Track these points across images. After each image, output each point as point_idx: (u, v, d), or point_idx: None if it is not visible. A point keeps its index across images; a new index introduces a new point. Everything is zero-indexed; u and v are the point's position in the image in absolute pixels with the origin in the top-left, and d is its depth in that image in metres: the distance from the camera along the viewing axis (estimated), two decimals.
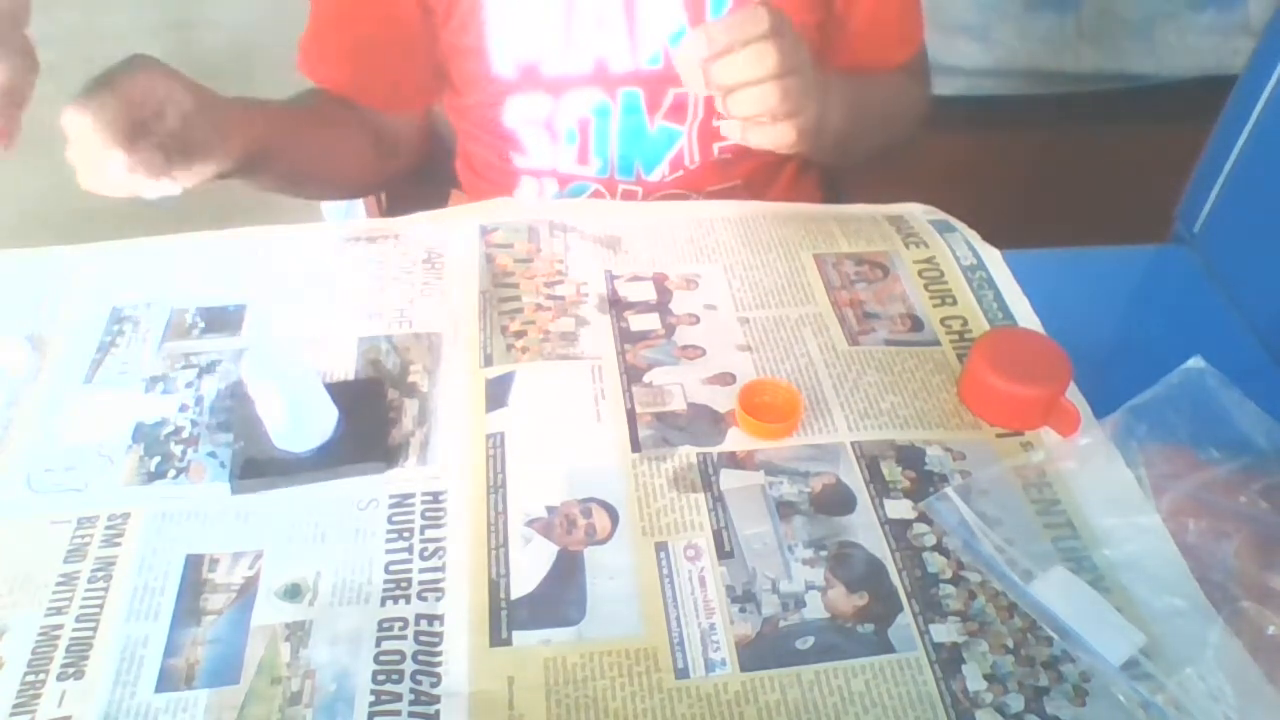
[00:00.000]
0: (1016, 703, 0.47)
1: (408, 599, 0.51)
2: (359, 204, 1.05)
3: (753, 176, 0.90)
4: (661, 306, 0.68)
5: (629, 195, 0.86)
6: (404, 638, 0.49)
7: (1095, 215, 1.01)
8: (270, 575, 0.52)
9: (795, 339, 0.66)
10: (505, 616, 0.50)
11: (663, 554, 0.53)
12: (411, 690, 0.47)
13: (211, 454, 0.57)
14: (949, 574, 0.53)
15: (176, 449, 0.58)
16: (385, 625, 0.50)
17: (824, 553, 0.53)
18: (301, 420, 0.56)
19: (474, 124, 0.87)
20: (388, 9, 0.80)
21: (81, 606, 0.50)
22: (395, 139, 0.87)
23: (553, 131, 0.84)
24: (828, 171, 1.00)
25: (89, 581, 0.51)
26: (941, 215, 0.78)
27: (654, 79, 0.82)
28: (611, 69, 0.80)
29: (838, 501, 0.56)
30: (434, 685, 0.48)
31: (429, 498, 0.56)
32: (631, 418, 0.60)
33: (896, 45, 0.89)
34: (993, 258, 0.72)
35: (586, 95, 0.82)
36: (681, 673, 0.48)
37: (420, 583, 0.52)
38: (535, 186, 0.88)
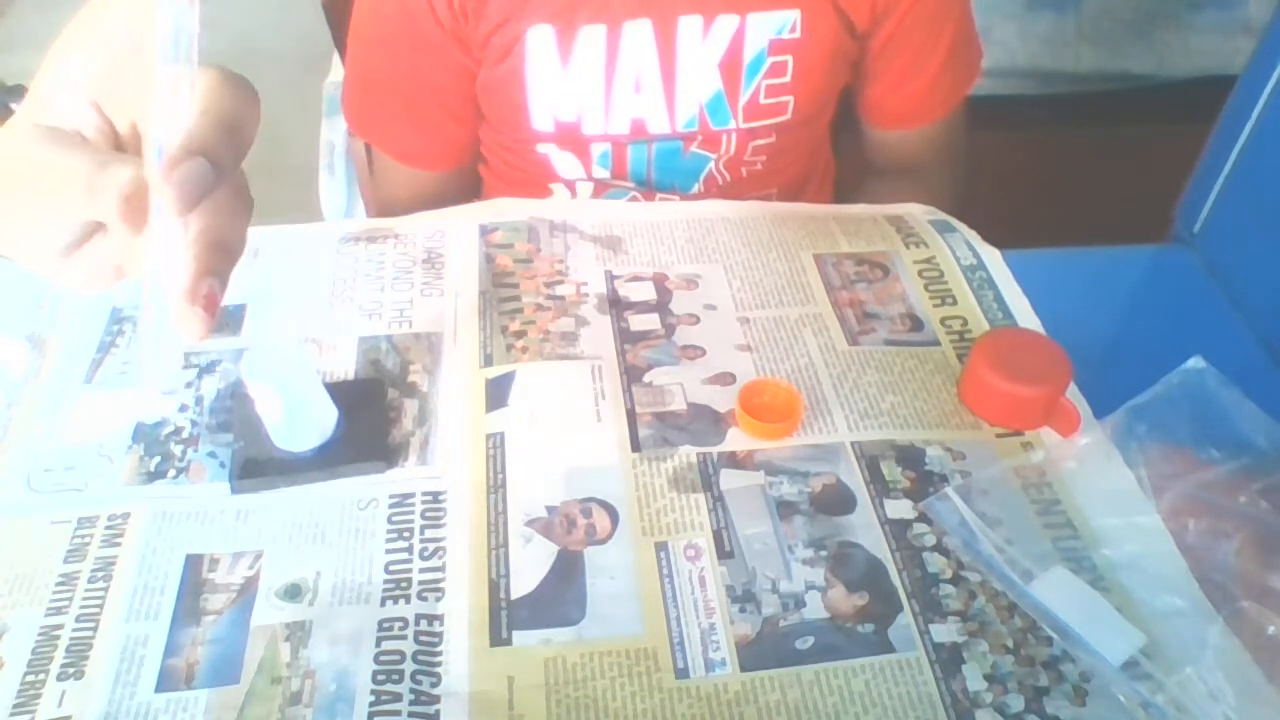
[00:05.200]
0: (1016, 703, 0.47)
1: (408, 599, 0.51)
2: (359, 204, 1.05)
3: (787, 184, 0.91)
4: (661, 306, 0.68)
5: (667, 201, 0.87)
6: (404, 638, 0.49)
7: (1095, 215, 1.01)
8: (270, 575, 0.52)
9: (795, 339, 0.66)
10: (505, 616, 0.50)
11: (663, 554, 0.53)
12: (411, 690, 0.47)
13: (211, 454, 0.57)
14: (949, 574, 0.53)
15: (176, 449, 0.58)
16: (385, 625, 0.50)
17: (824, 553, 0.53)
18: (301, 420, 0.56)
19: (502, 142, 0.87)
20: (427, 74, 0.80)
21: (81, 606, 0.50)
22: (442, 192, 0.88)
23: (587, 158, 0.84)
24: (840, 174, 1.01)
25: (89, 581, 0.51)
26: (941, 215, 0.78)
27: (689, 137, 0.83)
28: (649, 129, 0.82)
29: (838, 501, 0.56)
30: (434, 685, 0.48)
31: (429, 498, 0.56)
32: (631, 418, 0.60)
33: (931, 104, 0.87)
34: (993, 258, 0.72)
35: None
36: (681, 673, 0.48)
37: (420, 583, 0.52)
38: (567, 194, 0.88)
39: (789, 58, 0.79)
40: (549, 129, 0.82)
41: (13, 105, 0.44)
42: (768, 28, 0.78)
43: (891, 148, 0.91)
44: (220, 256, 0.37)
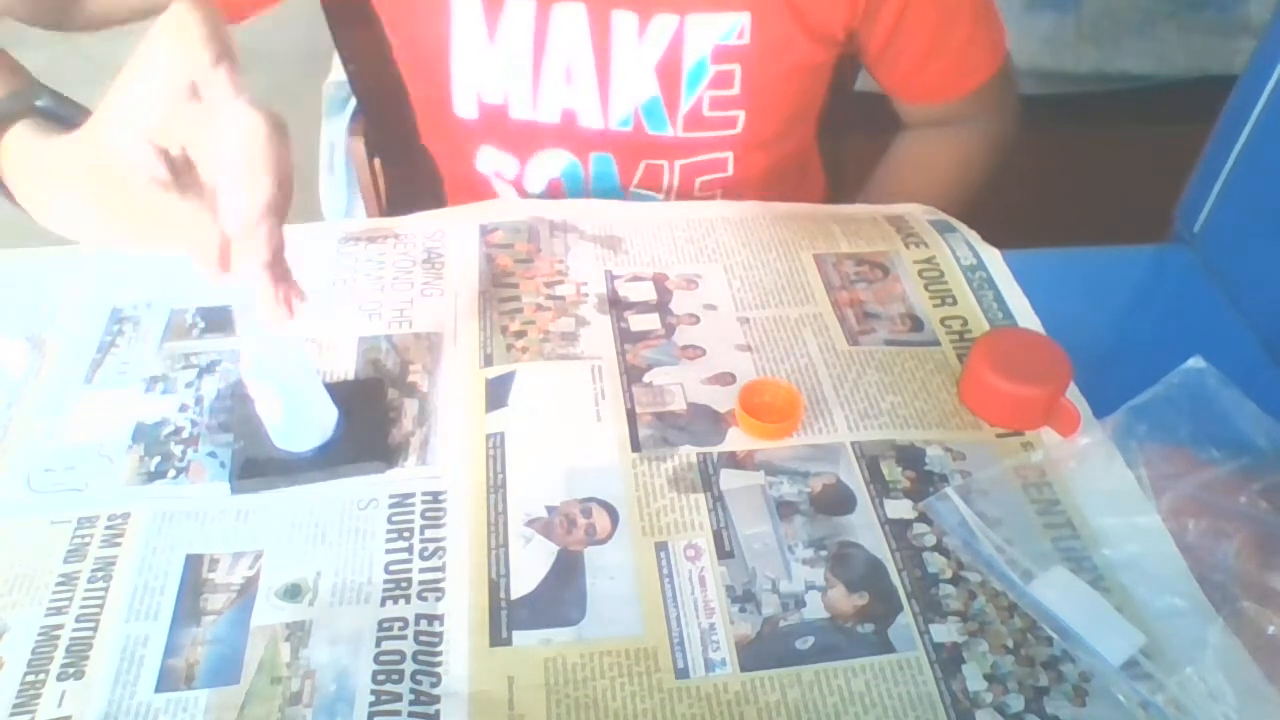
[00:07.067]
0: (1016, 703, 0.47)
1: (408, 599, 0.51)
2: (359, 204, 1.05)
3: None
4: (661, 306, 0.68)
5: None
6: (404, 638, 0.49)
7: (1095, 215, 1.01)
8: (270, 575, 0.52)
9: (795, 339, 0.66)
10: (505, 616, 0.50)
11: (663, 554, 0.53)
12: (411, 690, 0.47)
13: (211, 454, 0.57)
14: (949, 574, 0.53)
15: (176, 449, 0.58)
16: (385, 625, 0.50)
17: (824, 553, 0.53)
18: (301, 420, 0.56)
19: (449, 162, 0.87)
20: None
21: (81, 606, 0.50)
22: None
23: (522, 191, 0.82)
24: (830, 177, 1.00)
25: (89, 581, 0.51)
26: (941, 215, 0.78)
27: (625, 143, 0.78)
28: (580, 124, 0.77)
29: (838, 501, 0.56)
30: (434, 685, 0.48)
31: (429, 498, 0.56)
32: (631, 418, 0.60)
33: (962, 74, 0.81)
34: (993, 258, 0.72)
35: (556, 157, 0.79)
36: (681, 673, 0.48)
37: (420, 583, 0.52)
38: None
39: (736, 67, 0.73)
40: (473, 115, 0.77)
41: (36, 103, 0.48)
42: (711, 32, 0.72)
43: (926, 114, 0.87)
44: (284, 265, 0.49)
